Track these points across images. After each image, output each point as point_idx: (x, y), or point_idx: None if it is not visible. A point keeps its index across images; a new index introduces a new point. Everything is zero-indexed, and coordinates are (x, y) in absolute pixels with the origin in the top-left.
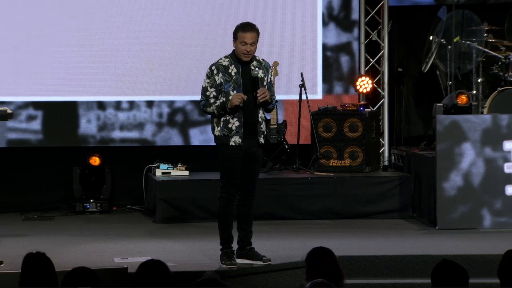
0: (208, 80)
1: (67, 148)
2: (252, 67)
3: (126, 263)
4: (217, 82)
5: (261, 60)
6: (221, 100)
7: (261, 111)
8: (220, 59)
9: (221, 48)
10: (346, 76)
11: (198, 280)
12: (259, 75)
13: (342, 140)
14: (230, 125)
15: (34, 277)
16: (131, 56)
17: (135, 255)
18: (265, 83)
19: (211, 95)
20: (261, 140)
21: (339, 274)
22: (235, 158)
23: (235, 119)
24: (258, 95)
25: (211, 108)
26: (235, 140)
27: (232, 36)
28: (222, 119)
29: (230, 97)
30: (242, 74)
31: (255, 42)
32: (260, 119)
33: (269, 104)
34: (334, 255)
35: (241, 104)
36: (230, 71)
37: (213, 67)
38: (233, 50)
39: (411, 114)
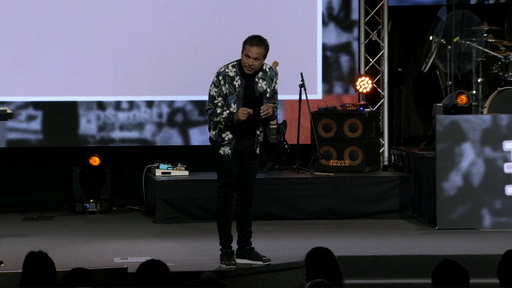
0: (216, 89)
1: (67, 148)
2: (257, 79)
3: (126, 263)
4: (224, 93)
5: (267, 70)
6: (227, 112)
7: (260, 123)
8: (227, 67)
9: (221, 48)
10: (346, 76)
11: (196, 280)
12: (263, 87)
13: (342, 140)
14: (223, 135)
15: (35, 275)
16: (131, 56)
17: (135, 255)
18: (268, 95)
19: (219, 104)
20: (257, 150)
21: (338, 274)
22: (230, 157)
23: (228, 131)
24: (261, 111)
25: (218, 118)
26: (225, 150)
27: (233, 37)
28: (219, 126)
29: (234, 110)
30: (245, 87)
31: (260, 58)
32: (258, 132)
33: (272, 117)
34: (333, 255)
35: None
36: (234, 82)
37: (220, 77)
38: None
39: (411, 114)
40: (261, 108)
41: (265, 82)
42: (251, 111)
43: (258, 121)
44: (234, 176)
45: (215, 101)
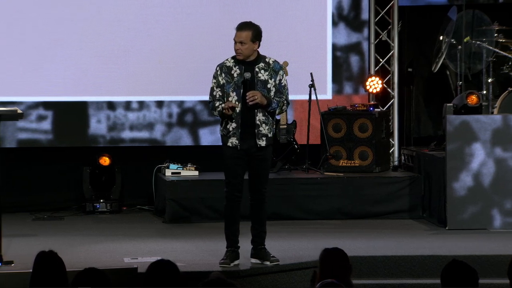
0: (214, 81)
1: (77, 148)
2: (257, 69)
3: (136, 263)
4: (221, 83)
5: (270, 62)
6: (222, 105)
7: (260, 114)
8: (227, 59)
9: (232, 48)
10: (355, 76)
11: (204, 280)
12: (249, 74)
13: (352, 140)
14: (228, 126)
15: (45, 275)
16: (141, 56)
17: (145, 255)
18: (270, 87)
19: (217, 95)
20: (260, 143)
21: (348, 269)
22: (235, 157)
23: (233, 121)
24: (246, 97)
25: (216, 112)
26: (232, 141)
27: None
28: (225, 119)
29: (231, 99)
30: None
31: (245, 41)
32: (258, 122)
33: (268, 107)
34: (345, 253)
35: (233, 113)
36: (232, 72)
37: (218, 68)
38: None
39: (421, 114)
40: (247, 94)
41: (266, 73)
42: (234, 104)
43: (253, 108)
44: (239, 176)
45: (214, 93)
